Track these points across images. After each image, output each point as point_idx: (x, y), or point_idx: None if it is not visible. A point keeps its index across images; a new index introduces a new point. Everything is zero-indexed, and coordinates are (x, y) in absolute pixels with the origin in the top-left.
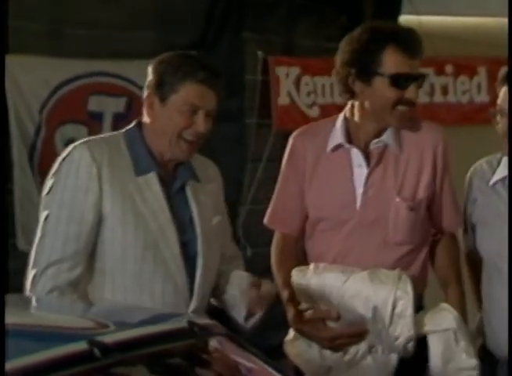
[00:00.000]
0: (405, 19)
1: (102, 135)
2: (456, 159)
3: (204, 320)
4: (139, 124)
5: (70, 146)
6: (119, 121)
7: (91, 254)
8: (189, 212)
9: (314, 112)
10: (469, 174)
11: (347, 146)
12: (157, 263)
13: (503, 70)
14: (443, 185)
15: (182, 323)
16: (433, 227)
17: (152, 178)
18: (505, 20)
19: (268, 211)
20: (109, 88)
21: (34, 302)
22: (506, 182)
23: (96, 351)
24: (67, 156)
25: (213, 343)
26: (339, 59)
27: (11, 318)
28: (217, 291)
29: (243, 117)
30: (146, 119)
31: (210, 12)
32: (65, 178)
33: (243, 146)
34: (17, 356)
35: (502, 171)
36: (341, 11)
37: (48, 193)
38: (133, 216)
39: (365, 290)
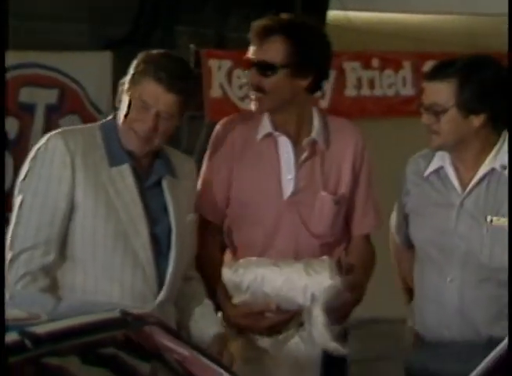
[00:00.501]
0: (333, 14)
1: (78, 126)
2: (383, 150)
3: (139, 310)
4: (115, 116)
5: (46, 136)
6: (52, 112)
7: (63, 242)
8: (163, 206)
9: (246, 104)
10: (406, 168)
11: (275, 134)
12: (127, 254)
13: (428, 64)
14: (359, 184)
15: (114, 313)
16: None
17: (125, 169)
18: (429, 17)
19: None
20: (41, 80)
21: (7, 298)
22: (440, 172)
23: (27, 342)
24: (42, 145)
25: (146, 332)
26: None
27: None
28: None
29: None
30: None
31: (143, 6)
32: (39, 167)
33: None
34: None
35: (436, 162)
36: (271, 5)
37: (23, 179)
38: (105, 207)
39: (302, 281)
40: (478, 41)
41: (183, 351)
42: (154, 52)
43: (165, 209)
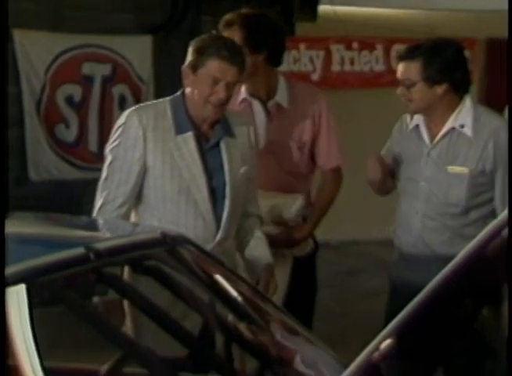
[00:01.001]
0: (323, 8)
1: (152, 102)
2: (360, 112)
3: (175, 232)
4: (183, 93)
5: (126, 111)
6: (106, 81)
7: (139, 195)
8: (221, 163)
9: None
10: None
11: (249, 99)
12: (190, 204)
13: (395, 47)
14: (321, 131)
15: (156, 234)
16: (316, 164)
17: (189, 137)
18: (398, 11)
19: None
20: (98, 57)
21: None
22: (417, 129)
23: (91, 255)
24: (122, 119)
25: (182, 250)
26: None
27: (27, 229)
28: (239, 244)
29: None
30: (185, 88)
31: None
32: (119, 137)
33: None
34: (33, 256)
35: (414, 122)
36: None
37: (110, 144)
38: (170, 168)
39: (271, 202)
40: (436, 30)
41: (214, 269)
42: (206, 36)
43: (222, 165)
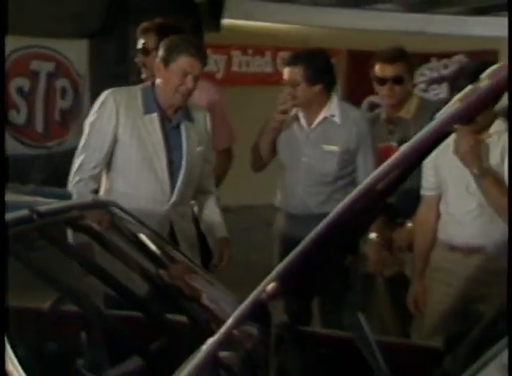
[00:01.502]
0: (226, 21)
1: (126, 87)
2: (254, 105)
3: (106, 198)
4: (153, 83)
5: (105, 92)
6: (51, 76)
7: (109, 161)
8: (180, 142)
9: None
10: None
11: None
12: (151, 172)
13: (281, 54)
14: (215, 117)
15: (88, 199)
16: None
17: (154, 117)
18: (284, 25)
19: None
20: (44, 56)
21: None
22: (297, 118)
23: (35, 215)
24: (100, 97)
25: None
26: None
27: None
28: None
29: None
30: (156, 79)
31: (108, 10)
32: (97, 112)
33: None
34: None
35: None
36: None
37: (88, 119)
38: (137, 140)
39: None
40: (310, 41)
41: (134, 226)
42: (176, 37)
43: (181, 144)
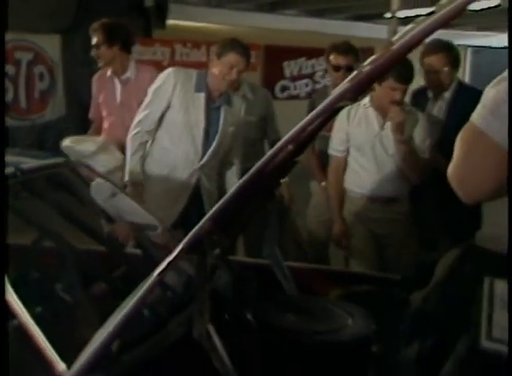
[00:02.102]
0: (170, 21)
1: (186, 68)
2: None
3: (77, 160)
4: (206, 71)
5: (169, 69)
6: (30, 64)
7: (160, 121)
8: (218, 120)
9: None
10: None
11: (112, 75)
12: (189, 136)
13: (214, 47)
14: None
15: (61, 159)
16: None
17: (202, 96)
18: (214, 25)
19: None
20: (25, 48)
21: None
22: None
23: (18, 172)
24: (164, 73)
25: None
26: None
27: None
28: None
29: None
30: (210, 67)
31: (77, 11)
32: (159, 82)
33: None
34: None
35: None
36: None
37: (152, 87)
38: (184, 110)
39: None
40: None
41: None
42: (227, 38)
43: (218, 122)
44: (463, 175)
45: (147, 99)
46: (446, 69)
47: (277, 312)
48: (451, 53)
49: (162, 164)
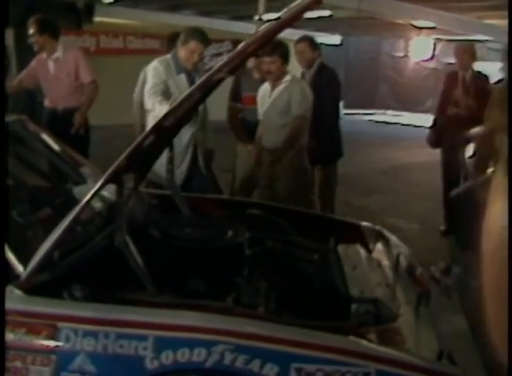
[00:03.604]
0: (97, 18)
1: (161, 57)
2: (115, 69)
3: (24, 117)
4: (175, 53)
5: (155, 60)
6: None
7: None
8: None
9: None
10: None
11: (45, 56)
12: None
13: (129, 38)
14: (80, 62)
15: (13, 117)
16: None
17: (183, 76)
18: (143, 22)
19: None
20: None
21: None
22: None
23: None
24: (153, 64)
25: (28, 125)
26: None
27: None
28: None
29: None
30: (179, 52)
31: (26, 10)
32: (151, 71)
33: None
34: None
35: None
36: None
37: (149, 74)
38: (174, 85)
39: None
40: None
41: (44, 133)
42: (189, 27)
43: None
44: None
45: (149, 83)
46: (309, 50)
47: (175, 227)
48: (311, 41)
49: None
